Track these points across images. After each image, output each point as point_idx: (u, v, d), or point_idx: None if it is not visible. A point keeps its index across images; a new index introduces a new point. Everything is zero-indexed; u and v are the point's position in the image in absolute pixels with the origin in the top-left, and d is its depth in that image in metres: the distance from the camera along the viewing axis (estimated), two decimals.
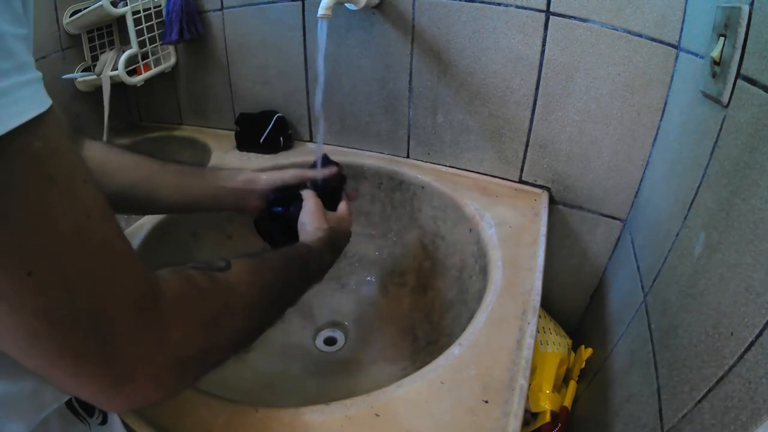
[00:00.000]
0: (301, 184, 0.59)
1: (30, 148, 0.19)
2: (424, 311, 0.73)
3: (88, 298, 0.21)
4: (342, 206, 0.59)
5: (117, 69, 0.83)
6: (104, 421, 0.38)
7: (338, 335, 0.74)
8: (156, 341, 0.24)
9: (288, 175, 0.58)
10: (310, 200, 0.55)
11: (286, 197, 0.57)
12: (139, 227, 0.66)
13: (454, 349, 0.47)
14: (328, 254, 0.50)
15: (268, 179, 0.58)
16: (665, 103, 0.61)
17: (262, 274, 0.37)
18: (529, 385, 0.45)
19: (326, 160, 0.63)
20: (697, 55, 0.50)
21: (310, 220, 0.53)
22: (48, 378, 0.22)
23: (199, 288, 0.28)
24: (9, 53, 0.18)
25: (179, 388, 0.27)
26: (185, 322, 0.26)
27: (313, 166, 0.62)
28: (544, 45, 0.64)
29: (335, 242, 0.53)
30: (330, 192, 0.60)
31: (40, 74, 0.20)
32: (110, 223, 0.22)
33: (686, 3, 0.54)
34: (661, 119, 0.62)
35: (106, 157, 0.50)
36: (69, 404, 0.34)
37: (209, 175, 0.56)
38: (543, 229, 0.65)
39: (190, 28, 0.85)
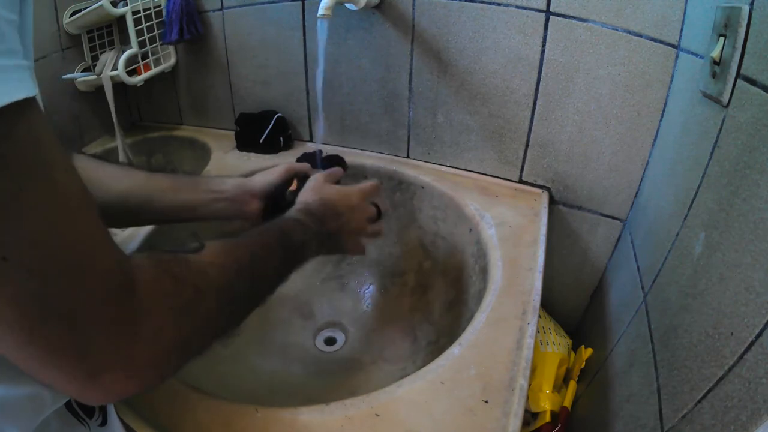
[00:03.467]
0: (290, 180, 0.56)
1: (14, 133, 0.19)
2: (424, 311, 0.73)
3: (62, 288, 0.21)
4: (356, 186, 0.55)
5: (117, 69, 0.83)
6: (104, 422, 0.37)
7: (338, 335, 0.74)
8: (129, 333, 0.24)
9: (275, 174, 0.56)
10: (313, 178, 0.53)
11: (282, 194, 0.55)
12: (137, 228, 0.66)
13: (454, 349, 0.47)
14: (310, 225, 0.46)
15: (259, 180, 0.56)
16: (665, 103, 0.61)
17: (236, 254, 0.35)
18: (529, 385, 0.45)
19: (335, 160, 0.62)
20: (697, 55, 0.50)
21: (303, 194, 0.51)
22: (23, 369, 0.22)
23: (171, 275, 0.28)
24: (8, 36, 0.18)
25: (157, 379, 0.26)
26: (158, 313, 0.26)
27: (301, 159, 0.60)
28: (544, 45, 0.64)
29: (323, 213, 0.48)
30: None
31: (30, 63, 0.20)
32: (89, 213, 0.22)
33: (686, 3, 0.54)
34: (661, 119, 0.62)
35: (95, 169, 0.48)
36: (68, 406, 0.34)
37: (200, 180, 0.55)
38: (543, 229, 0.65)
39: (190, 28, 0.85)
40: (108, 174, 0.49)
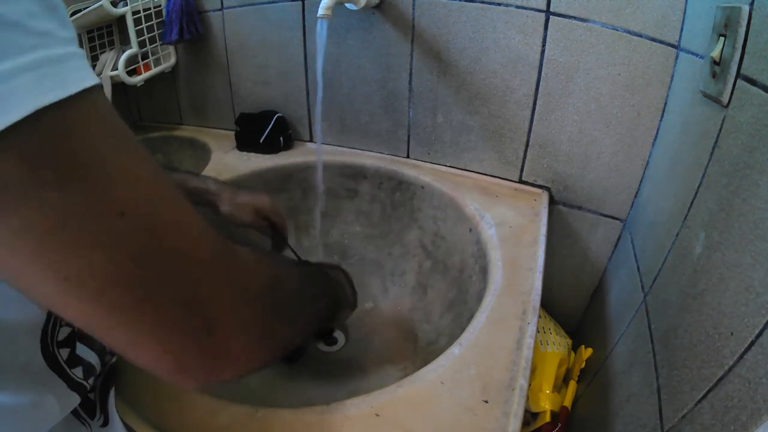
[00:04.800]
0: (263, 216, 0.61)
1: (98, 105, 0.19)
2: (424, 311, 0.73)
3: (175, 245, 0.21)
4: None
5: (117, 69, 0.83)
6: (106, 423, 0.38)
7: (338, 335, 0.74)
8: (244, 300, 0.24)
9: (259, 199, 0.61)
10: None
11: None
12: None
13: (454, 349, 0.47)
14: (336, 286, 0.51)
15: (243, 196, 0.60)
16: (665, 103, 0.61)
17: (277, 263, 0.36)
18: (529, 385, 0.45)
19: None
20: (697, 55, 0.50)
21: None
22: (133, 352, 0.21)
23: (258, 258, 0.28)
24: (69, 24, 0.19)
25: (264, 361, 0.26)
26: (255, 286, 0.25)
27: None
28: (544, 45, 0.64)
29: (337, 282, 0.53)
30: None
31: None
32: (173, 184, 0.22)
33: (686, 3, 0.54)
34: (661, 119, 0.62)
35: None
36: None
37: (192, 177, 0.60)
38: (543, 229, 0.65)
39: (190, 28, 0.85)
40: None
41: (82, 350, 0.35)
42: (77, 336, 0.35)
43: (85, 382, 0.34)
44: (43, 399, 0.30)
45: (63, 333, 0.33)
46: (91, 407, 0.36)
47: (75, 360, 0.34)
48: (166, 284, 0.20)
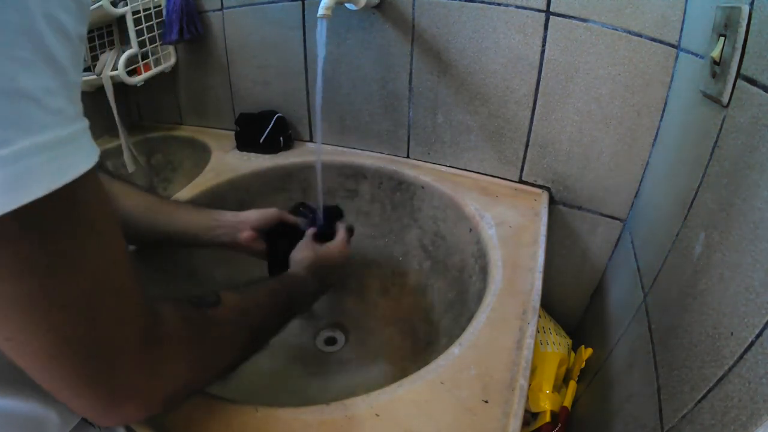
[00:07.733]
0: (280, 224, 0.62)
1: (88, 189, 0.22)
2: (424, 311, 0.73)
3: (106, 332, 0.24)
4: (337, 239, 0.61)
5: (117, 69, 0.83)
6: None
7: (338, 335, 0.74)
8: (152, 376, 0.27)
9: (269, 213, 0.61)
10: (307, 237, 0.61)
11: (278, 233, 0.61)
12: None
13: (454, 349, 0.47)
14: (312, 281, 0.54)
15: (253, 214, 0.60)
16: (665, 103, 0.61)
17: (249, 311, 0.41)
18: (529, 385, 0.45)
19: (334, 212, 0.67)
20: (697, 55, 0.50)
21: (299, 250, 0.57)
22: (56, 395, 0.25)
23: (195, 329, 0.32)
24: (78, 99, 0.21)
25: (164, 410, 0.30)
26: (179, 361, 0.29)
27: (300, 208, 0.66)
28: (544, 45, 0.64)
29: (320, 269, 0.56)
30: (326, 226, 0.64)
31: (87, 122, 0.22)
32: (129, 266, 0.25)
33: (686, 3, 0.54)
34: (661, 119, 0.62)
35: (108, 185, 0.51)
36: None
37: (201, 209, 0.59)
38: (543, 229, 0.65)
39: (190, 28, 0.85)
40: (117, 190, 0.52)
41: None
42: None
43: None
44: (48, 411, 0.31)
45: None
46: None
47: None
48: (89, 363, 0.24)
